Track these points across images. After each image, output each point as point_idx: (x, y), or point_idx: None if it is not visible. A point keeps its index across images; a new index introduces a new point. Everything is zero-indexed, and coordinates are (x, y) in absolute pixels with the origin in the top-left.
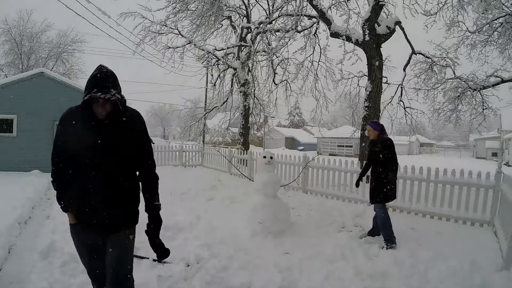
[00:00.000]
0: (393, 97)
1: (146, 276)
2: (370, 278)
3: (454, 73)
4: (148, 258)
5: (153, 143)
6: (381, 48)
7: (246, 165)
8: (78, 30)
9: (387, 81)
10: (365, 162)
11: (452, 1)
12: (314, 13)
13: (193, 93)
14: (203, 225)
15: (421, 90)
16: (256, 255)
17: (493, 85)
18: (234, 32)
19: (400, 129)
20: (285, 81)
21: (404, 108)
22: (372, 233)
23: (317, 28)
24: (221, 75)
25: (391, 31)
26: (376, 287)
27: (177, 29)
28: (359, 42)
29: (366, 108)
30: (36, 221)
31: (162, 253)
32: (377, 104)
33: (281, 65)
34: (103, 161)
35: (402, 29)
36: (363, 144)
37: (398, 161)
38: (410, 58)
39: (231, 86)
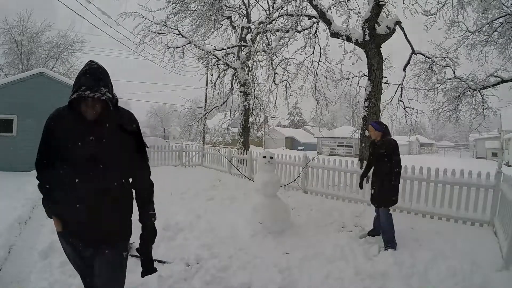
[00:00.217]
0: (393, 97)
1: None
2: (370, 278)
3: (454, 73)
4: None
5: (148, 147)
6: (381, 48)
7: (246, 165)
8: (78, 30)
9: (387, 81)
10: (365, 163)
11: (452, 1)
12: (314, 13)
13: (193, 93)
14: (203, 225)
15: (421, 90)
16: (256, 255)
17: (493, 85)
18: (234, 32)
19: (400, 129)
20: (285, 81)
21: (404, 108)
22: (372, 233)
23: (317, 28)
24: (221, 75)
25: (391, 31)
26: (376, 287)
27: (177, 29)
28: (359, 42)
29: (366, 108)
30: (36, 221)
31: (148, 269)
32: (377, 104)
33: (281, 65)
34: (91, 166)
35: (402, 29)
36: (363, 144)
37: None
38: (410, 58)
39: (231, 86)
